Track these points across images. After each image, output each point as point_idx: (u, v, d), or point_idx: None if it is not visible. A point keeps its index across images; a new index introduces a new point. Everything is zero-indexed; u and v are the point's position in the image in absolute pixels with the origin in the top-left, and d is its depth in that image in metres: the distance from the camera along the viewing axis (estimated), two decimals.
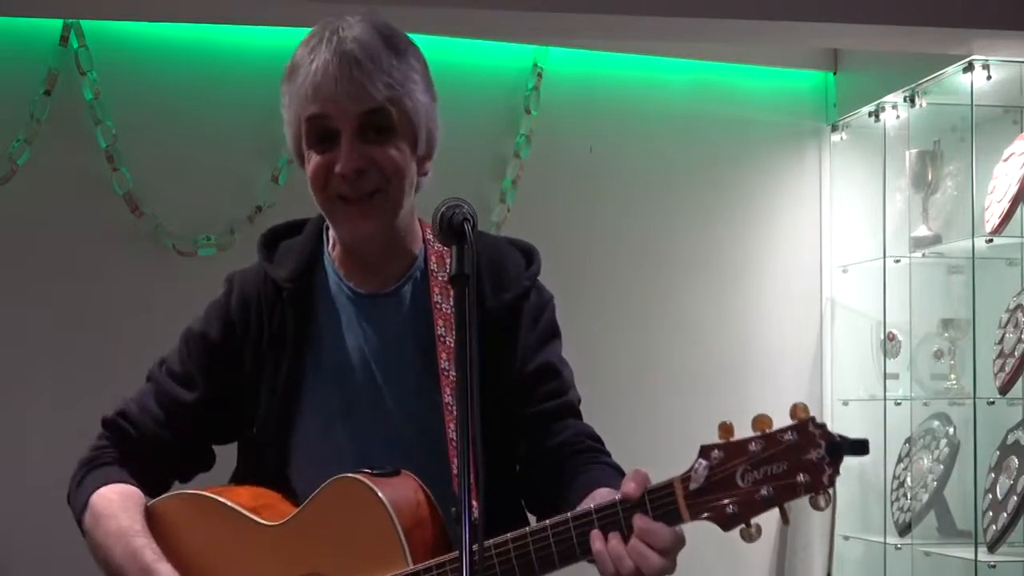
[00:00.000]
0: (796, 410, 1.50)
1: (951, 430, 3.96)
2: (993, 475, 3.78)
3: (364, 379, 1.87)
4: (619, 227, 4.19)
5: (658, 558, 1.56)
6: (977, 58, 3.75)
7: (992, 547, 3.69)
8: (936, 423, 4.03)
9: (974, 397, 3.80)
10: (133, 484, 1.91)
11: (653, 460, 1.98)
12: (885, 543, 4.09)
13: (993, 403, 3.78)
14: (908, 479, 4.04)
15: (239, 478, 1.97)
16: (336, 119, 1.80)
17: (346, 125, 1.80)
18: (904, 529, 4.03)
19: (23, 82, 3.70)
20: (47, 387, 3.69)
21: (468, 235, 1.59)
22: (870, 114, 4.23)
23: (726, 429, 1.53)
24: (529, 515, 1.89)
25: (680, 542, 1.58)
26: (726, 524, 1.53)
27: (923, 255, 4.06)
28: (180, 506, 1.89)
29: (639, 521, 1.56)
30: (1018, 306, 3.82)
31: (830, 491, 1.50)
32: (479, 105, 4.03)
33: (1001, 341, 3.82)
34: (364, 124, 1.80)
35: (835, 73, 4.45)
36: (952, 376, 4.02)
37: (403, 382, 1.87)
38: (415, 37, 4.34)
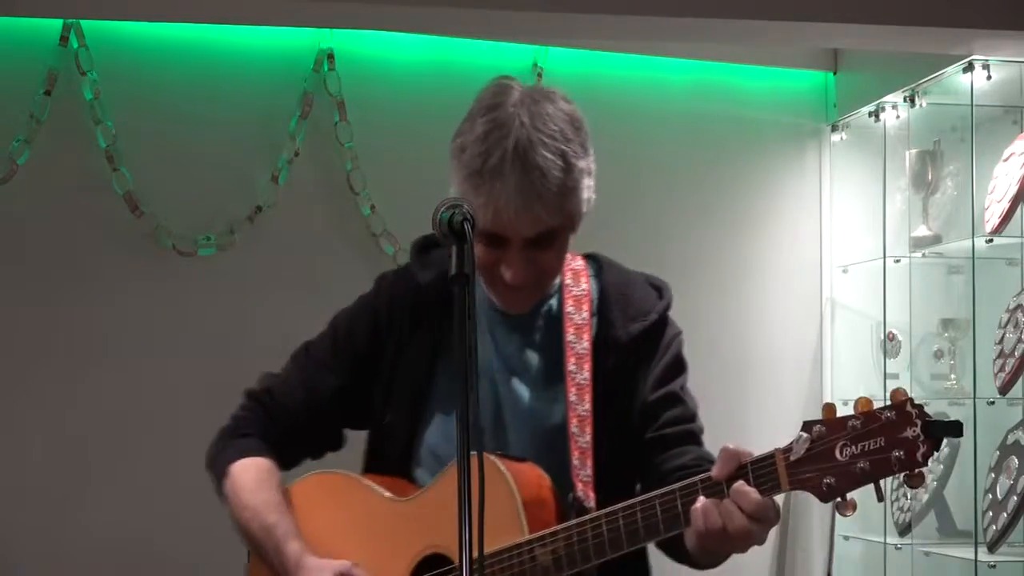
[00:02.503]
0: (895, 393, 1.61)
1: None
2: (993, 475, 3.78)
3: (494, 385, 1.98)
4: (619, 227, 4.18)
5: (744, 519, 1.67)
6: (977, 58, 3.75)
7: (992, 547, 3.69)
8: None
9: (974, 397, 3.80)
10: (271, 457, 2.04)
11: None
12: (885, 543, 4.09)
13: (993, 403, 3.78)
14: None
15: (368, 467, 2.08)
16: (508, 235, 1.87)
17: (517, 241, 1.87)
18: (904, 529, 4.03)
19: (23, 82, 3.70)
20: (47, 387, 3.69)
21: (468, 235, 1.59)
22: (870, 114, 4.23)
23: (830, 410, 1.64)
24: None
25: (772, 513, 1.68)
26: (824, 495, 1.63)
27: (923, 255, 4.06)
28: (319, 483, 2.04)
29: (737, 484, 1.68)
30: (1018, 306, 3.82)
31: (925, 469, 1.59)
32: None
33: (1001, 341, 3.82)
34: (535, 238, 1.88)
35: (835, 73, 4.45)
36: (952, 376, 4.02)
37: (529, 384, 1.99)
38: (414, 37, 4.35)
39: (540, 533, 1.80)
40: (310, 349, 2.10)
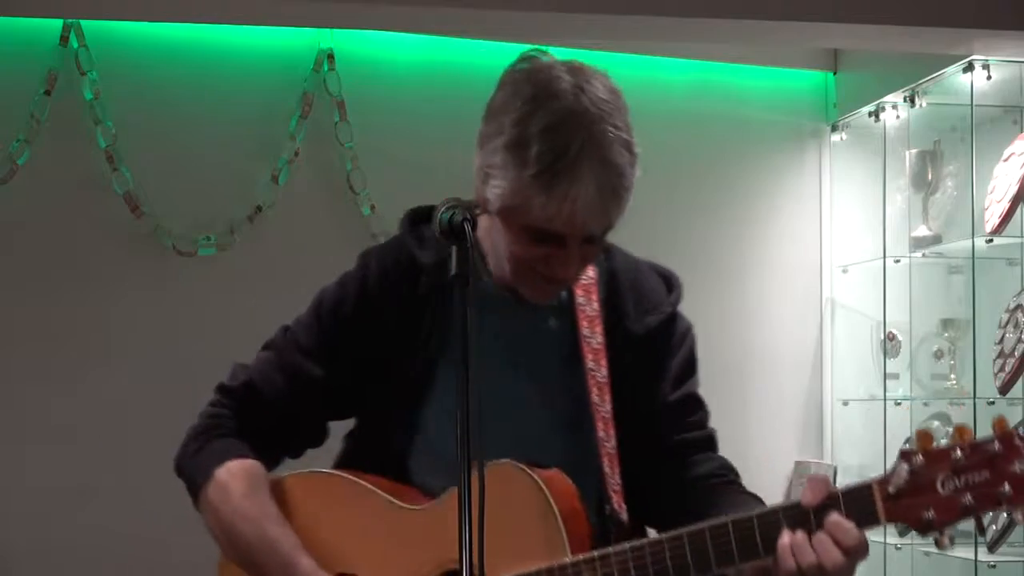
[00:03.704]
0: (998, 423, 1.52)
1: (951, 430, 3.95)
2: None
3: (500, 374, 1.80)
4: (619, 227, 4.18)
5: (841, 555, 1.54)
6: (977, 58, 3.75)
7: (992, 547, 3.69)
8: (936, 423, 4.02)
9: (974, 397, 3.79)
10: (256, 458, 1.86)
11: None
12: (885, 543, 4.09)
13: (993, 403, 3.77)
14: None
15: (349, 463, 1.91)
16: (568, 233, 1.72)
17: (576, 238, 1.73)
18: (904, 529, 4.01)
19: (23, 82, 3.70)
20: (47, 386, 3.69)
21: (468, 235, 1.58)
22: (870, 114, 4.23)
23: (925, 437, 1.55)
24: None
25: (864, 550, 1.56)
26: (923, 529, 1.54)
27: (923, 255, 4.06)
28: (312, 484, 1.86)
29: (831, 516, 1.55)
30: (1018, 306, 3.82)
31: None
32: (479, 105, 4.02)
33: (1001, 341, 3.81)
34: (595, 235, 1.76)
35: (835, 73, 4.45)
36: (952, 376, 4.02)
37: (543, 380, 1.85)
38: (414, 37, 4.35)
39: (590, 555, 1.64)
40: (290, 335, 1.91)
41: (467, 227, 1.58)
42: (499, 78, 1.81)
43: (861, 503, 1.55)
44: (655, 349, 1.87)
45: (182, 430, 3.93)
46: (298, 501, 1.85)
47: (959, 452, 1.52)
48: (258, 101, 3.92)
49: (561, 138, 1.67)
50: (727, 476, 1.84)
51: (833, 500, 1.56)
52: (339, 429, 1.98)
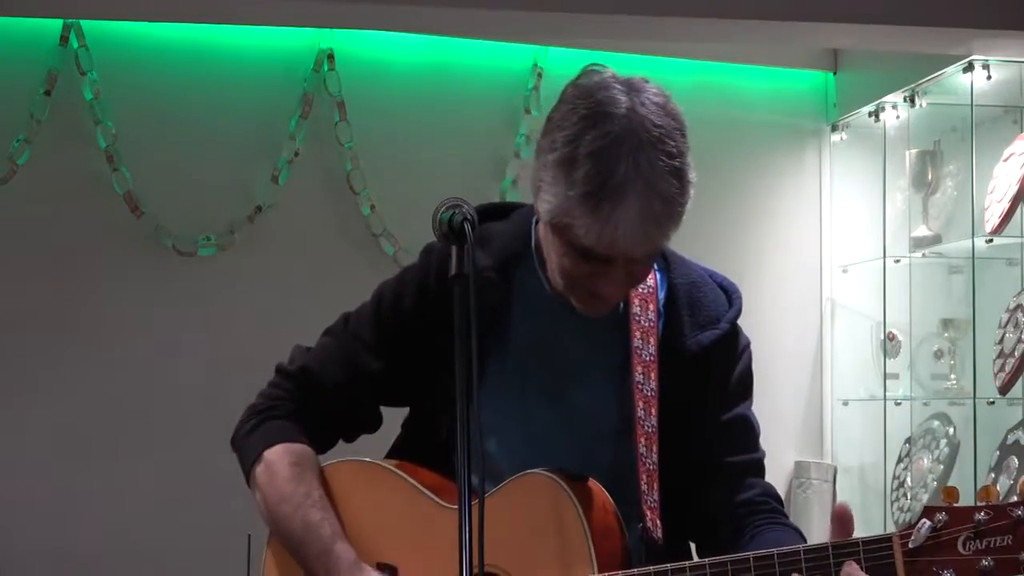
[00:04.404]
0: None
1: (951, 430, 3.96)
2: (993, 475, 3.78)
3: (549, 379, 1.84)
4: None
5: None
6: (977, 58, 3.75)
7: None
8: (936, 423, 4.03)
9: (974, 397, 3.79)
10: (307, 443, 1.89)
11: None
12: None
13: (993, 403, 3.78)
14: (908, 479, 4.04)
15: (400, 451, 1.95)
16: (614, 256, 1.72)
17: (621, 260, 1.73)
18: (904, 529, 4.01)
19: (23, 82, 3.70)
20: (47, 387, 3.69)
21: (468, 235, 1.58)
22: (870, 114, 4.23)
23: (950, 493, 1.55)
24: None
25: None
26: None
27: (923, 255, 4.06)
28: (359, 473, 1.88)
29: (848, 567, 1.55)
30: (1018, 306, 3.82)
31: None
32: (479, 105, 4.03)
33: (1001, 341, 3.81)
34: (641, 257, 1.75)
35: (835, 73, 4.45)
36: (952, 376, 4.02)
37: (591, 389, 1.85)
38: (414, 37, 4.34)
39: (614, 574, 1.65)
40: (350, 325, 1.93)
41: (467, 227, 1.59)
42: (562, 90, 1.79)
43: (880, 555, 1.56)
44: (709, 367, 1.86)
45: (182, 429, 3.94)
46: (344, 489, 1.87)
47: (983, 513, 1.52)
48: (258, 101, 3.92)
49: (608, 163, 1.67)
50: (769, 504, 1.83)
51: (853, 548, 1.56)
52: (398, 415, 2.00)
